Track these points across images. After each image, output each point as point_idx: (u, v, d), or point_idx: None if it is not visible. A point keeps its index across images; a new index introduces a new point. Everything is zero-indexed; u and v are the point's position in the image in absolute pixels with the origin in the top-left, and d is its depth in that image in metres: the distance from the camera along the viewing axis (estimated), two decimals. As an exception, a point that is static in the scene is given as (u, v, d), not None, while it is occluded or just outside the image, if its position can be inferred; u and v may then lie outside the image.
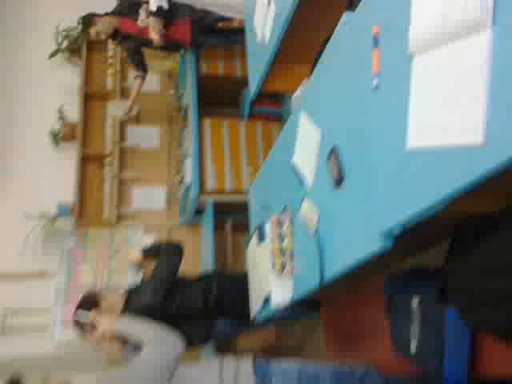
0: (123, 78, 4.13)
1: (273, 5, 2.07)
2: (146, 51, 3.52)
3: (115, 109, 3.73)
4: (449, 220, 1.20)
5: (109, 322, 2.05)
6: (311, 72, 2.24)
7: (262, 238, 1.98)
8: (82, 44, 4.07)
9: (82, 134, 3.90)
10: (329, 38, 2.23)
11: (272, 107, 3.86)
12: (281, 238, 1.69)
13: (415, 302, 1.31)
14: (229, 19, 3.25)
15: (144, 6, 3.11)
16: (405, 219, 1.01)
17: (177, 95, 4.05)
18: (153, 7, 2.84)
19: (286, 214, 1.72)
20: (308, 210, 1.52)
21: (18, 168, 4.00)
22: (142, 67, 3.51)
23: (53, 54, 4.14)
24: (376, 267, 1.44)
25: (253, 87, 2.41)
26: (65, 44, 4.13)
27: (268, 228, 1.84)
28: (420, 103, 1.00)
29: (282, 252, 1.67)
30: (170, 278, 2.25)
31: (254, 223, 2.23)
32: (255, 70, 2.36)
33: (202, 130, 3.55)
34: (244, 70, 3.72)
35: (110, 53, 4.13)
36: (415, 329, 1.28)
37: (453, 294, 1.15)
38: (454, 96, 0.91)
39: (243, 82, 3.77)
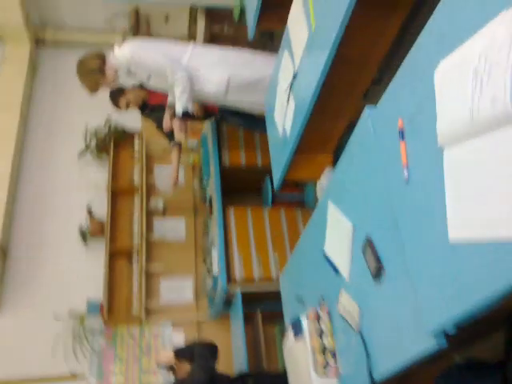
0: (149, 172, 4.25)
1: (292, 103, 2.14)
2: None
3: (161, 183, 3.79)
4: (503, 311, 1.13)
5: None
6: (333, 161, 2.28)
7: (298, 332, 1.89)
8: (109, 142, 4.24)
9: (109, 230, 3.95)
10: (348, 128, 2.29)
11: (294, 193, 3.89)
12: (320, 333, 1.61)
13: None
14: None
15: (167, 109, 3.18)
16: (457, 317, 0.95)
17: (201, 186, 4.12)
18: (179, 110, 2.89)
19: (323, 306, 1.65)
20: (347, 303, 1.46)
21: (47, 266, 4.01)
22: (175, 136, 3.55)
23: (82, 153, 4.30)
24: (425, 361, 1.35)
25: (276, 177, 2.44)
26: (93, 143, 4.30)
27: (305, 323, 1.77)
28: (457, 195, 0.98)
29: (323, 349, 1.59)
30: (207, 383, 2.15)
31: (287, 315, 2.15)
32: (278, 162, 2.39)
33: (227, 219, 3.56)
34: (265, 160, 3.81)
35: (136, 149, 4.28)
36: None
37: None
38: (494, 187, 0.88)
39: (265, 171, 3.85)
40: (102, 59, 2.87)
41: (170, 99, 3.18)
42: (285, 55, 2.25)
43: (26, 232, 4.14)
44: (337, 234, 1.55)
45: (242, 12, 3.94)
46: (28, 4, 4.66)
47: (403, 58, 1.22)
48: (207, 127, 3.90)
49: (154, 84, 2.97)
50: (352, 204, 1.46)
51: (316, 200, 3.75)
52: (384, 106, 1.30)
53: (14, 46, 4.74)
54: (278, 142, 2.37)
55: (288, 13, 2.98)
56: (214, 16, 4.43)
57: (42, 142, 4.54)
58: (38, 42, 4.96)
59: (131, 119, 4.30)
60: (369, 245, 1.32)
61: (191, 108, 2.89)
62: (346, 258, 1.46)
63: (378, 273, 1.28)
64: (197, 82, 2.89)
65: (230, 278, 3.35)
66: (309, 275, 1.88)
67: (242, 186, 3.98)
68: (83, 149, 4.32)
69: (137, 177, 4.19)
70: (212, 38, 4.49)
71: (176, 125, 3.00)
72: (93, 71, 2.86)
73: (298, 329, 1.89)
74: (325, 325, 1.61)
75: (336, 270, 1.55)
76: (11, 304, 3.86)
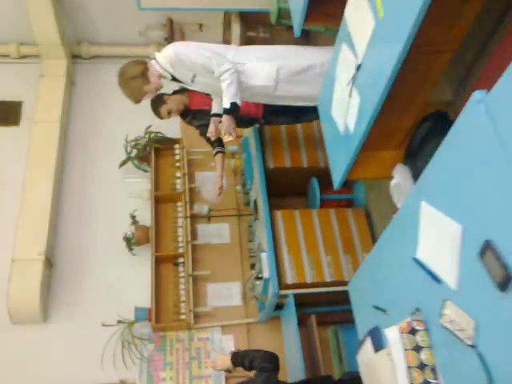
0: (191, 179, 4.08)
1: (355, 97, 1.92)
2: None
3: (206, 192, 3.60)
4: None
5: None
6: (405, 157, 2.05)
7: (379, 344, 1.67)
8: (150, 151, 4.08)
9: (154, 237, 3.79)
10: (420, 122, 2.06)
11: (341, 193, 3.66)
12: (417, 348, 1.39)
13: None
14: None
15: (213, 119, 2.97)
16: None
17: (244, 191, 3.93)
18: (227, 104, 2.64)
19: (418, 319, 1.42)
20: (455, 315, 1.23)
21: (94, 275, 3.88)
22: (219, 142, 3.25)
23: (123, 163, 4.16)
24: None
25: (338, 177, 2.21)
26: (134, 153, 4.15)
27: (392, 335, 1.54)
28: None
29: (421, 365, 1.36)
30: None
31: (361, 325, 1.92)
32: (339, 161, 2.17)
33: (275, 222, 3.35)
34: (310, 160, 3.60)
35: (177, 156, 4.11)
36: None
37: None
38: None
39: (310, 172, 3.65)
40: (144, 65, 2.67)
41: (214, 109, 2.97)
42: (343, 48, 2.03)
43: (70, 241, 4.03)
44: (437, 238, 1.32)
45: (280, 14, 3.75)
46: (64, 21, 4.56)
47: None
48: (249, 131, 3.70)
49: (199, 85, 2.76)
50: (458, 203, 1.23)
51: (366, 198, 3.54)
52: (502, 90, 1.06)
53: (52, 63, 4.62)
54: (339, 140, 2.15)
55: (335, 8, 2.77)
56: (249, 20, 4.23)
57: (83, 153, 4.42)
58: (74, 57, 4.85)
59: (171, 126, 4.14)
60: (489, 249, 1.09)
61: (239, 102, 2.66)
62: (454, 265, 1.23)
63: (505, 281, 1.05)
64: (244, 76, 2.68)
65: (281, 282, 3.14)
66: (392, 284, 1.64)
67: (285, 189, 3.77)
68: (124, 159, 4.17)
69: (179, 184, 4.02)
70: (248, 43, 4.28)
71: (224, 124, 2.74)
72: (135, 78, 2.65)
73: (378, 341, 1.68)
74: (422, 338, 1.38)
75: (436, 279, 1.32)
76: (59, 313, 3.74)
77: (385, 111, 1.86)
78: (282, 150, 3.61)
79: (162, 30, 4.58)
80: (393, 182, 1.85)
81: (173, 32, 4.57)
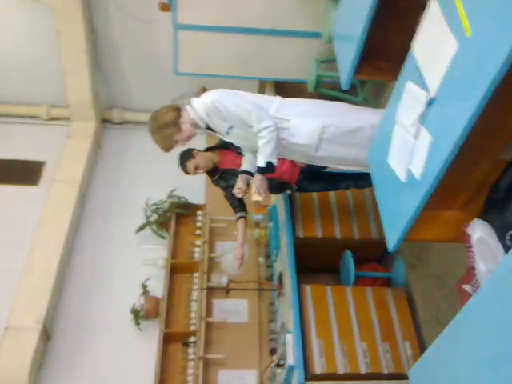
0: (211, 248, 3.67)
1: (425, 137, 1.58)
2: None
3: (226, 263, 3.12)
4: None
5: None
6: (485, 210, 1.66)
7: None
8: (171, 216, 3.73)
9: (165, 311, 3.31)
10: (505, 168, 1.68)
11: (378, 270, 3.21)
12: None
13: None
14: None
15: (241, 175, 2.60)
16: None
17: (267, 264, 3.49)
18: (261, 163, 2.34)
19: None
20: None
21: (93, 351, 3.37)
22: (242, 207, 2.94)
23: (140, 228, 3.81)
24: None
25: (393, 238, 1.79)
26: (154, 217, 3.81)
27: None
28: None
29: None
30: None
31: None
32: (396, 216, 1.78)
33: (303, 298, 2.87)
34: (344, 231, 3.19)
35: (199, 223, 3.75)
36: None
37: None
38: None
39: (343, 245, 3.22)
40: (178, 112, 2.42)
41: (243, 167, 2.67)
42: (407, 87, 1.73)
43: (73, 310, 3.58)
44: None
45: (317, 82, 3.60)
46: (98, 86, 4.51)
47: None
48: (277, 197, 3.36)
49: (234, 137, 2.46)
50: None
51: (406, 277, 3.07)
52: None
53: (80, 125, 4.52)
54: (397, 192, 1.77)
55: (387, 64, 2.57)
56: (284, 89, 4.08)
57: (100, 216, 4.12)
58: (104, 121, 4.74)
59: (195, 191, 3.85)
60: None
61: (275, 162, 2.35)
62: None
63: None
64: (284, 134, 2.38)
65: (307, 371, 2.59)
66: (488, 367, 1.16)
67: (314, 263, 3.32)
68: (143, 224, 3.82)
69: (198, 252, 3.61)
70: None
71: (256, 182, 2.44)
72: (167, 125, 2.39)
73: None
74: None
75: None
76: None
77: (454, 160, 1.50)
78: (312, 219, 3.21)
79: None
80: (475, 238, 1.44)
81: (205, 102, 4.47)
